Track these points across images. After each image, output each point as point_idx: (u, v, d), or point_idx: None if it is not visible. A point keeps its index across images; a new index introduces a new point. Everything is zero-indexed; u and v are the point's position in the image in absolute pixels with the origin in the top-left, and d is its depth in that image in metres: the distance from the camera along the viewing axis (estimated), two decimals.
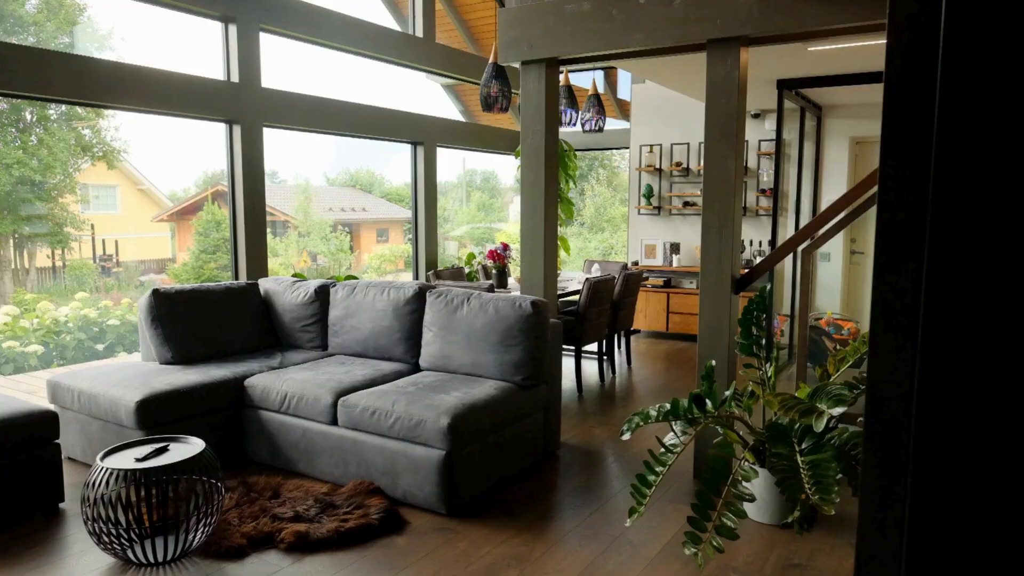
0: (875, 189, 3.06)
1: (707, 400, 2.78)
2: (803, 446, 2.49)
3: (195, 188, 14.98)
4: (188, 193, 14.91)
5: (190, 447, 2.95)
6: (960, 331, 1.24)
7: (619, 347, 6.62)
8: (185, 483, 2.79)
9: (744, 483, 2.65)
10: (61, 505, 3.32)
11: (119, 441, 3.52)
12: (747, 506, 2.90)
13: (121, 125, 12.79)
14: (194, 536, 2.80)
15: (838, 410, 2.28)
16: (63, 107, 11.77)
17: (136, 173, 14.32)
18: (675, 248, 7.72)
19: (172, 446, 2.96)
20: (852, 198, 3.27)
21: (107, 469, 2.70)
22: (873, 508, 1.62)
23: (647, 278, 7.63)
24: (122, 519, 2.69)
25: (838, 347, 5.84)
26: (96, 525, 2.68)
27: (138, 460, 2.79)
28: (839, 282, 6.99)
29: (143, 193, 14.66)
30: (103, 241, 13.22)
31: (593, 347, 6.44)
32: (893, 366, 1.58)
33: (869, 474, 1.66)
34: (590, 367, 6.18)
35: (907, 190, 1.55)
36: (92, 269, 12.36)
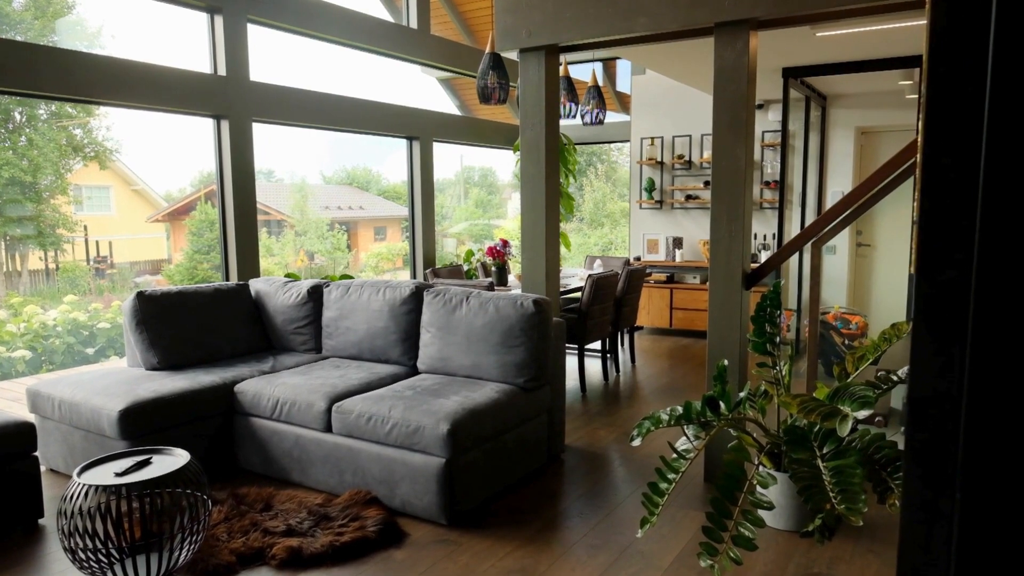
0: (888, 180, 2.85)
1: (721, 402, 2.62)
2: (824, 451, 2.33)
3: (191, 188, 14.83)
4: (184, 193, 14.76)
5: (174, 459, 2.79)
6: (1017, 330, 1.08)
7: (622, 345, 6.47)
8: (168, 498, 2.63)
9: (761, 490, 2.50)
10: (40, 521, 3.17)
11: (102, 452, 3.38)
12: (762, 512, 2.76)
13: (113, 124, 12.62)
14: (179, 554, 2.64)
15: (863, 413, 2.12)
16: (53, 106, 11.60)
17: (130, 173, 14.16)
18: (678, 242, 7.56)
19: (155, 458, 2.80)
20: (867, 188, 3.12)
21: (84, 485, 2.54)
22: (916, 524, 1.46)
23: (650, 274, 7.47)
24: (101, 538, 2.53)
25: (846, 342, 5.69)
26: (72, 541, 2.52)
27: (118, 475, 2.63)
28: (845, 275, 6.84)
29: (137, 194, 14.50)
30: (96, 243, 13.05)
31: (596, 345, 6.29)
32: (938, 370, 1.41)
33: (911, 487, 1.49)
34: (593, 366, 6.02)
35: (954, 173, 1.38)
36: (85, 271, 12.20)
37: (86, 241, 12.71)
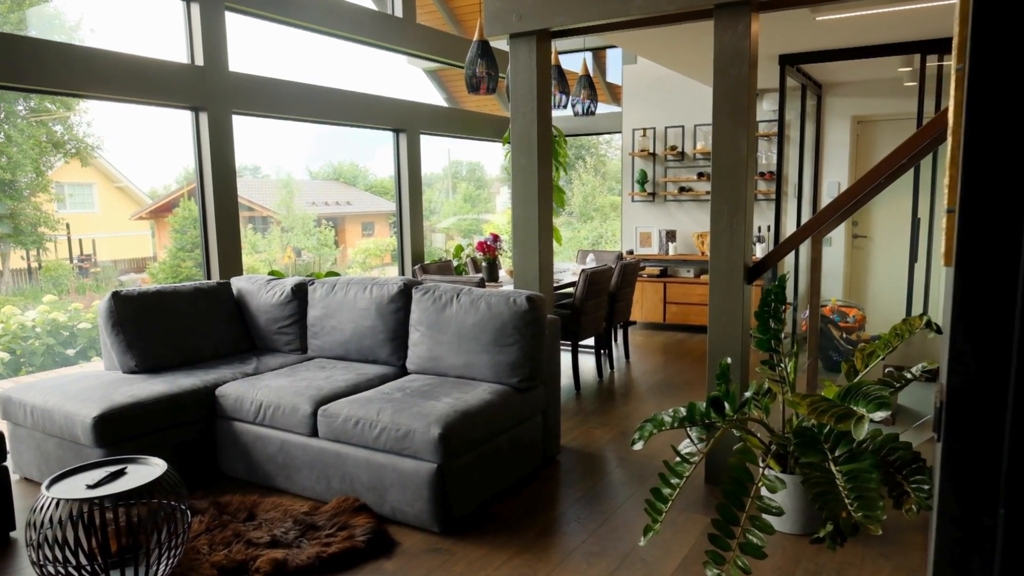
0: (893, 169, 2.68)
1: (726, 403, 2.50)
2: (836, 454, 2.22)
3: (176, 184, 14.59)
4: (169, 190, 14.52)
5: (150, 469, 2.64)
6: None
7: (616, 340, 6.35)
8: (145, 511, 2.48)
9: (769, 494, 2.39)
10: (12, 534, 3.01)
11: (78, 460, 3.23)
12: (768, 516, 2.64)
13: (94, 120, 12.36)
14: (157, 569, 2.49)
15: (880, 414, 2.00)
16: (32, 102, 11.34)
17: (113, 170, 13.90)
18: (671, 236, 7.44)
19: (130, 468, 2.65)
20: (873, 178, 3.00)
21: (53, 499, 2.39)
22: (953, 544, 1.33)
23: (644, 267, 7.35)
24: (72, 555, 2.38)
25: (844, 335, 5.60)
26: (41, 555, 2.37)
27: (90, 487, 2.47)
28: (841, 267, 6.74)
29: (121, 191, 14.25)
30: (80, 241, 12.81)
31: (589, 341, 6.17)
32: (978, 372, 1.27)
33: (946, 502, 1.36)
34: (587, 362, 5.90)
35: (999, 156, 1.23)
36: (68, 270, 11.97)
37: (68, 239, 12.47)
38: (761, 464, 2.51)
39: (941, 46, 4.66)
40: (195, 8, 4.87)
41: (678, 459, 2.41)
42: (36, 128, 11.62)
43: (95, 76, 4.41)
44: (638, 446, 2.45)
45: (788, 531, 2.85)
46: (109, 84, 4.47)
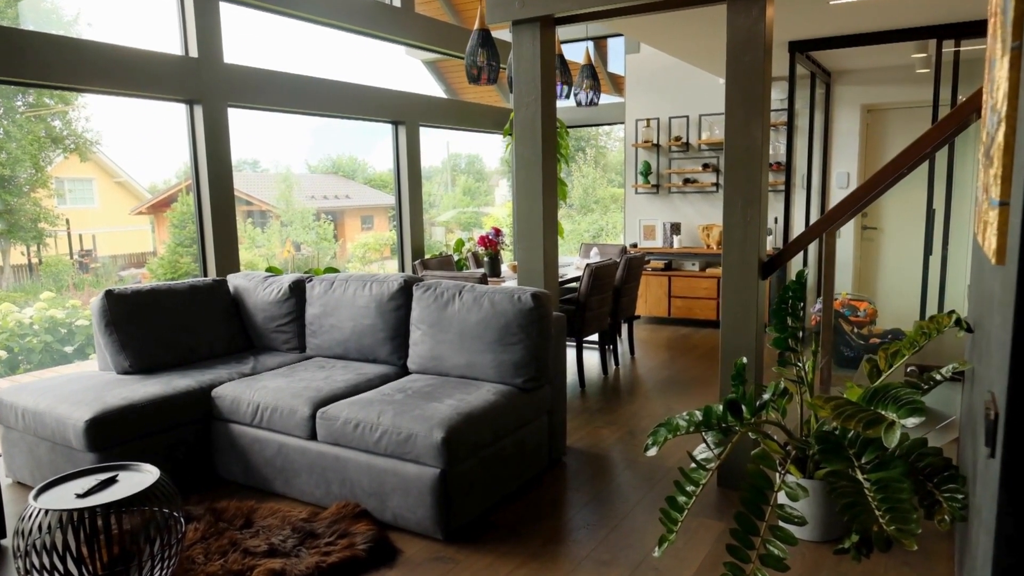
0: (918, 158, 2.51)
1: (743, 406, 2.38)
2: (863, 461, 2.10)
3: (175, 179, 14.46)
4: (168, 184, 14.40)
5: (142, 476, 2.53)
6: None
7: (621, 336, 6.23)
8: (137, 520, 2.37)
9: (790, 503, 2.28)
10: (3, 542, 2.91)
11: (70, 464, 3.13)
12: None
13: (92, 115, 12.22)
14: None
15: (913, 420, 1.89)
16: (31, 97, 11.21)
17: (112, 165, 13.78)
18: (676, 228, 7.32)
19: (122, 475, 2.54)
20: (899, 166, 2.87)
21: (41, 510, 2.28)
22: (1009, 568, 1.21)
23: (648, 261, 7.23)
24: (60, 567, 2.28)
25: (856, 330, 5.48)
26: (29, 563, 2.27)
27: (79, 496, 2.37)
28: (850, 260, 6.62)
29: (121, 186, 14.13)
30: (80, 236, 12.70)
31: (593, 336, 6.06)
32: None
33: (1005, 526, 1.24)
34: (591, 358, 5.79)
35: None
36: (69, 266, 11.88)
37: (68, 235, 12.35)
38: (780, 470, 2.40)
39: (958, 31, 4.51)
40: None
41: (693, 465, 2.30)
42: (35, 124, 11.50)
43: (87, 69, 4.27)
44: (651, 452, 2.33)
45: (807, 538, 2.74)
46: (101, 77, 4.34)
